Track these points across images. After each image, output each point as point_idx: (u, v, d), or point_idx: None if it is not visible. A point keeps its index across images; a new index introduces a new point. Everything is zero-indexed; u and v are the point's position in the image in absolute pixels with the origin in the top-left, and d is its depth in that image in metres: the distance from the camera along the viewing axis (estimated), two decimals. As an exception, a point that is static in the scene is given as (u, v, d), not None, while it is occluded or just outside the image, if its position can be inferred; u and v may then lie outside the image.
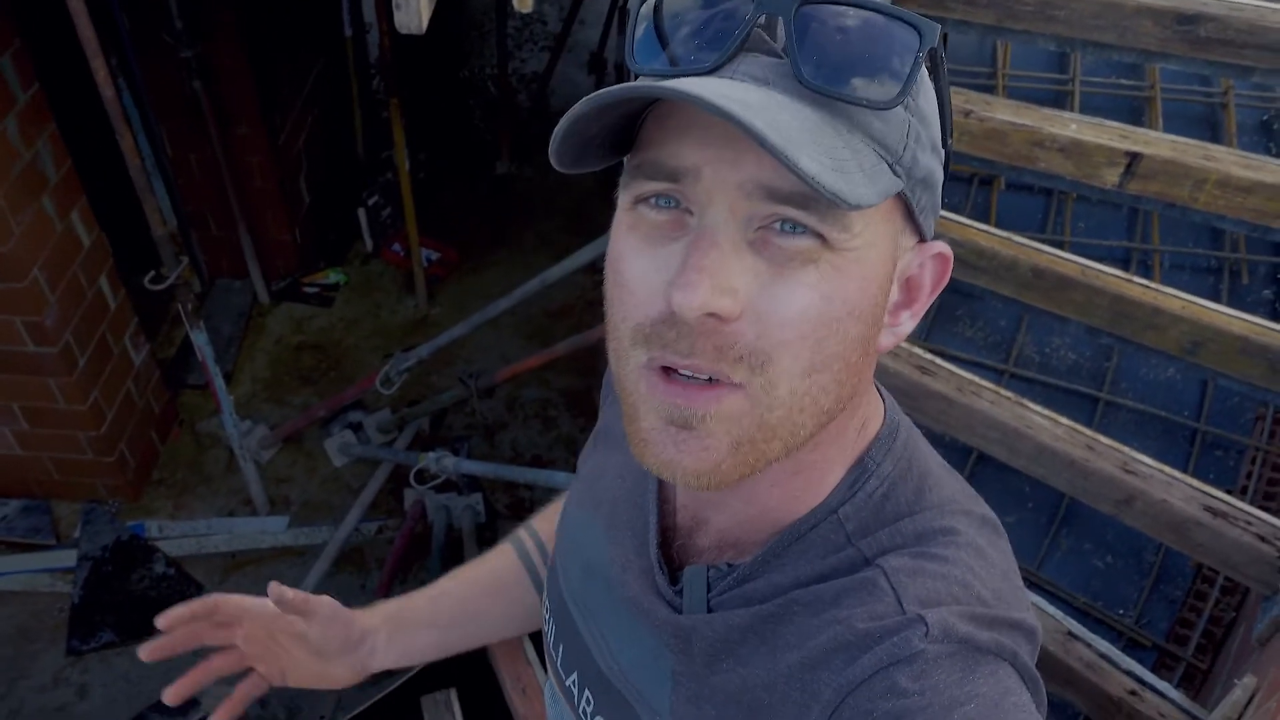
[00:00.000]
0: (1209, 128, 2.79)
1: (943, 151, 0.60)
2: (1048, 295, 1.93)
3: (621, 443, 0.69)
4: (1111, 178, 1.92)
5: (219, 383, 3.18)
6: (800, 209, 0.53)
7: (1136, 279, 1.90)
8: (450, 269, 4.75)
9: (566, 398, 4.12)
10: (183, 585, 3.40)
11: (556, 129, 0.55)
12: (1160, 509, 1.72)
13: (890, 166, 0.55)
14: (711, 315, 0.54)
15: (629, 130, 0.58)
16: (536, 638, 2.38)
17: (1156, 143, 1.91)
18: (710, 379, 0.57)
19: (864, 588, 0.62)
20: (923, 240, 0.62)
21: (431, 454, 3.42)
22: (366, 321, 4.51)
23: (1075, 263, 1.91)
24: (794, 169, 0.48)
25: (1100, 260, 1.94)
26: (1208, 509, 1.69)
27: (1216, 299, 2.26)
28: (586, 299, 4.43)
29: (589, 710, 0.81)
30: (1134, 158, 1.87)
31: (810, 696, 0.61)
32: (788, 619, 0.64)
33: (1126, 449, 1.79)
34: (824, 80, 0.53)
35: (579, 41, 6.33)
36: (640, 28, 0.57)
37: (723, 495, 0.67)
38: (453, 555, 3.48)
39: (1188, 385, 2.51)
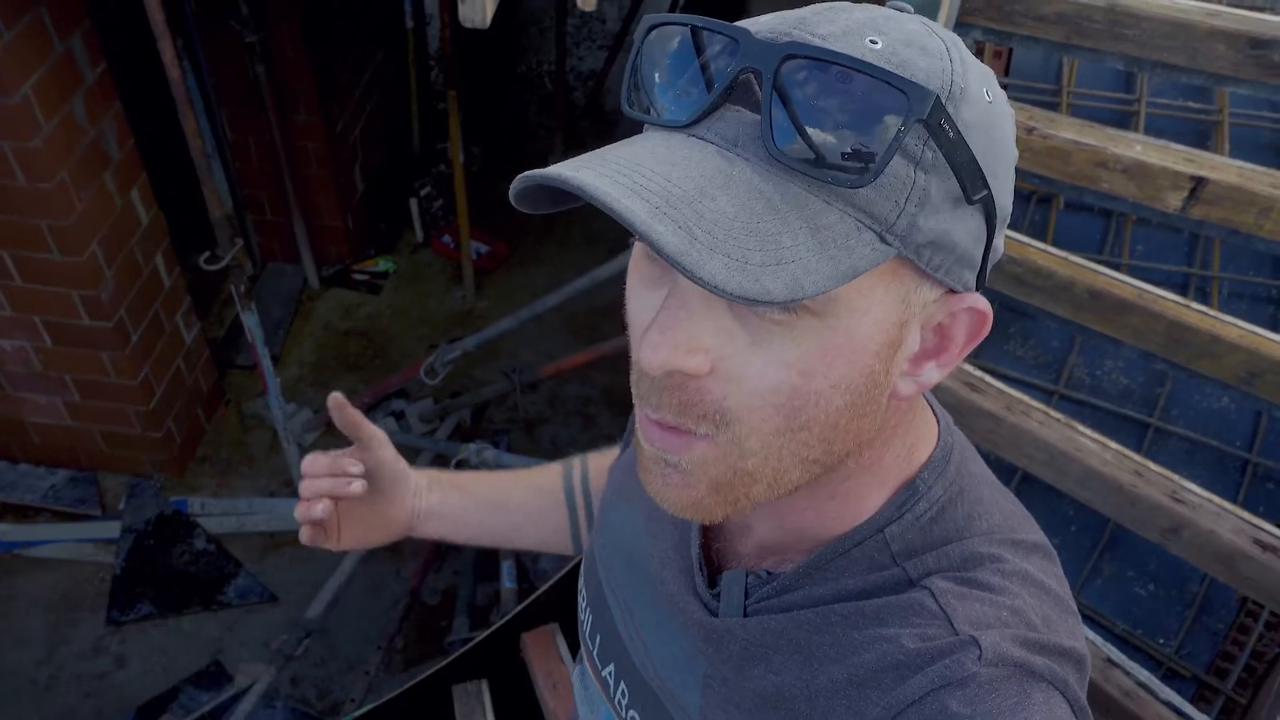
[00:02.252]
0: (1277, 154, 2.73)
1: (977, 200, 0.52)
2: (1103, 318, 1.90)
3: None
4: (1175, 201, 1.88)
5: (267, 364, 3.22)
6: None
7: (1195, 305, 1.87)
8: (499, 262, 4.78)
9: (608, 396, 4.13)
10: (221, 562, 3.46)
11: (511, 190, 0.53)
12: (1208, 539, 1.69)
13: (879, 235, 0.50)
14: (678, 371, 0.53)
15: None
16: (568, 629, 2.38)
17: (1223, 168, 1.87)
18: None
19: (910, 608, 0.61)
20: (955, 291, 0.57)
21: (472, 445, 3.44)
22: (414, 311, 4.55)
23: (1133, 286, 1.88)
24: (690, 276, 0.45)
25: (1158, 284, 1.91)
26: (1257, 542, 1.65)
27: (1277, 330, 2.21)
28: (632, 299, 4.42)
29: (624, 703, 0.81)
30: (1199, 182, 1.84)
31: (856, 715, 0.61)
32: (826, 630, 0.64)
33: (1176, 477, 1.76)
34: (793, 151, 0.49)
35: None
36: (628, 71, 0.56)
37: (758, 511, 0.64)
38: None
39: (1241, 415, 2.46)
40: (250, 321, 3.06)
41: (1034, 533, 0.69)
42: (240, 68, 3.90)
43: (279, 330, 4.30)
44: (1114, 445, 1.80)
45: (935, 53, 0.52)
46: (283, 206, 4.37)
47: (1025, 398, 1.89)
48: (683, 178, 0.48)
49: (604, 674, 0.85)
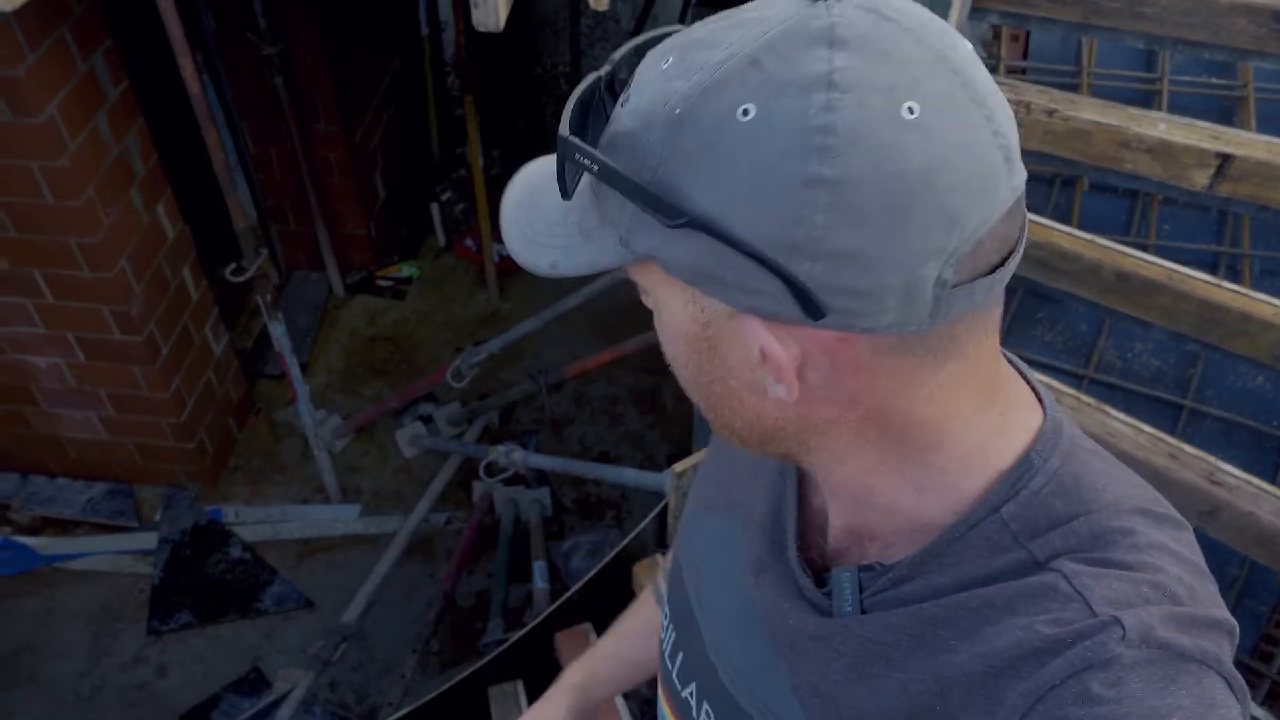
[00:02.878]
0: (1305, 128, 2.70)
1: (679, 224, 0.54)
2: (1132, 300, 1.88)
3: None
4: (1201, 179, 1.86)
5: (295, 373, 3.25)
6: None
7: (1225, 284, 1.85)
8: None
9: (634, 395, 4.13)
10: (257, 570, 3.49)
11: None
12: (1247, 521, 1.66)
13: (620, 240, 0.58)
14: None
15: None
16: (601, 628, 2.39)
17: (1250, 144, 1.85)
18: None
19: (1043, 593, 0.59)
20: (776, 319, 0.56)
21: (500, 447, 3.45)
22: (438, 315, 4.57)
23: (1162, 266, 1.86)
24: (507, 245, 0.66)
25: (1187, 264, 1.89)
26: (1298, 523, 1.63)
27: (1310, 305, 2.18)
28: (655, 296, 4.42)
29: None
30: (1225, 159, 1.82)
31: (994, 703, 0.58)
32: (954, 623, 0.61)
33: (1212, 458, 1.74)
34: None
35: (652, 39, 6.32)
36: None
37: (834, 496, 0.68)
38: (520, 547, 3.52)
39: (1277, 393, 2.43)
40: (277, 331, 3.09)
41: (1161, 504, 0.65)
42: (260, 80, 3.94)
43: (306, 338, 4.34)
44: (1148, 428, 1.78)
45: (689, 77, 0.54)
46: (306, 216, 4.40)
47: (1056, 383, 1.88)
48: (532, 183, 0.67)
49: (684, 694, 0.83)
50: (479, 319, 4.55)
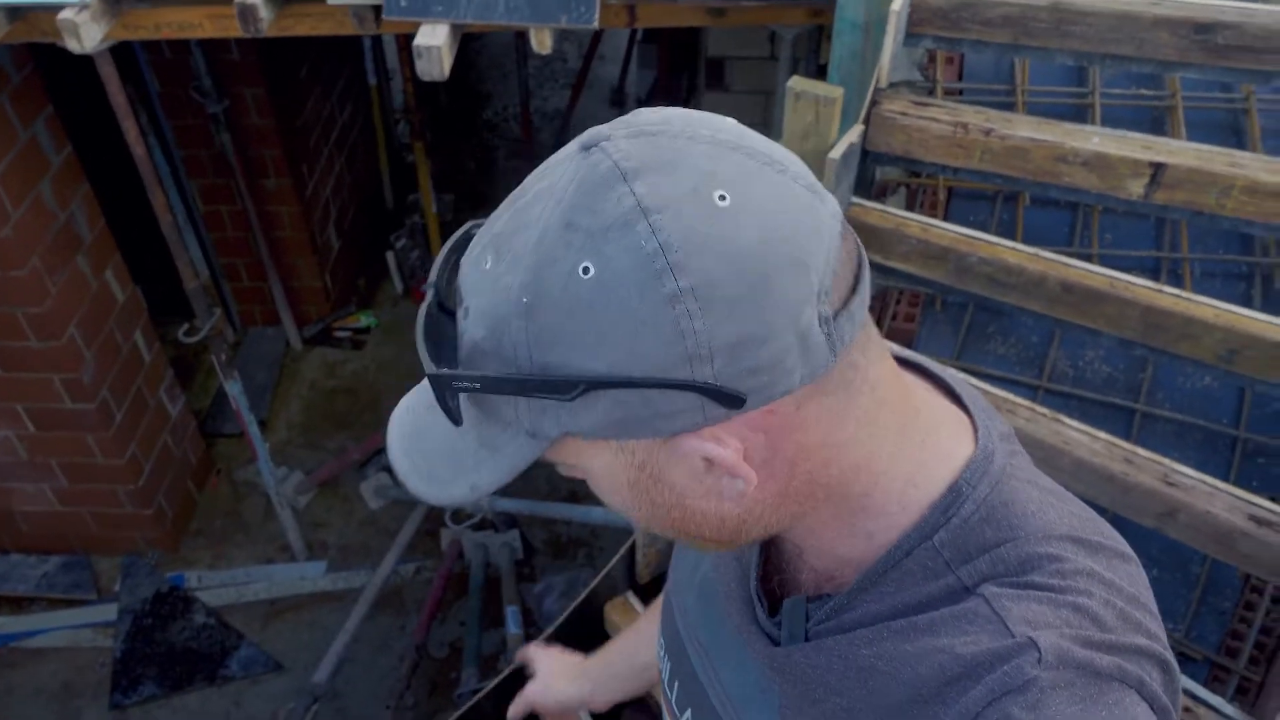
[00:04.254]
0: (1233, 134, 2.76)
1: (575, 396, 0.56)
2: (1078, 309, 1.91)
3: None
4: (1137, 189, 1.90)
5: (254, 431, 3.21)
6: None
7: (1167, 289, 1.88)
8: (478, 309, 4.78)
9: (598, 432, 4.12)
10: (222, 635, 3.42)
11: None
12: (1204, 520, 1.69)
13: (530, 434, 0.59)
14: None
15: None
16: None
17: (1180, 151, 1.89)
18: None
19: (964, 616, 0.61)
20: (704, 428, 0.58)
21: (466, 494, 3.43)
22: (399, 363, 4.54)
23: (1104, 275, 1.90)
24: (415, 494, 0.64)
25: (1130, 271, 1.93)
26: (1253, 518, 1.66)
27: (1249, 305, 2.23)
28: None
29: None
30: (1158, 168, 1.86)
31: None
32: (879, 646, 0.64)
33: (1167, 461, 1.76)
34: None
35: (599, 77, 6.39)
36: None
37: (799, 541, 0.70)
38: (491, 594, 3.48)
39: (1225, 393, 2.47)
40: (234, 389, 3.05)
41: (1101, 534, 0.67)
42: (206, 138, 3.92)
43: (264, 394, 4.29)
44: (1102, 435, 1.81)
45: (516, 266, 0.56)
46: (259, 271, 4.37)
47: (1010, 395, 1.90)
48: (407, 428, 0.67)
49: None
50: (438, 366, 4.52)
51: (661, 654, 0.90)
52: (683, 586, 0.87)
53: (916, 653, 0.61)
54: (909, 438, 0.65)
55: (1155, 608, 0.65)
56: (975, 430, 0.69)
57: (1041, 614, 0.59)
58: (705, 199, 0.54)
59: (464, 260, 0.61)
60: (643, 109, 0.60)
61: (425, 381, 0.60)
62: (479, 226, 0.62)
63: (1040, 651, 0.57)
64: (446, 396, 0.58)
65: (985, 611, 0.60)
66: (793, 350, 0.55)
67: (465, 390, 0.57)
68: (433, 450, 0.64)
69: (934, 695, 0.60)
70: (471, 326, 0.58)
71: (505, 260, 0.56)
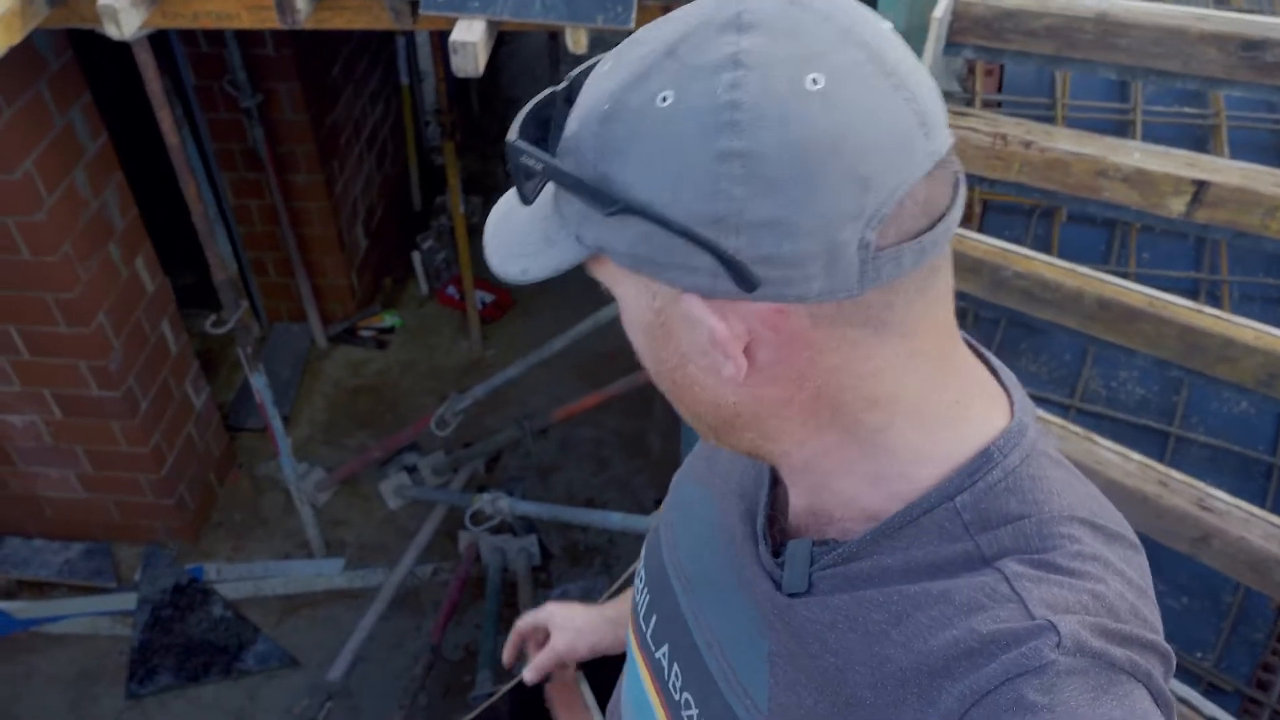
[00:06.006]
0: (1278, 155, 2.72)
1: (614, 211, 0.57)
2: (1114, 327, 1.88)
3: None
4: (1178, 206, 1.87)
5: (277, 426, 3.21)
6: None
7: (1207, 309, 1.85)
8: (504, 311, 4.78)
9: (620, 439, 4.11)
10: (239, 629, 3.42)
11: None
12: (1239, 547, 1.65)
13: (577, 238, 0.61)
14: None
15: None
16: (592, 678, 2.34)
17: (1225, 170, 1.86)
18: None
19: (982, 590, 0.60)
20: (713, 297, 0.59)
21: (486, 495, 3.42)
22: (422, 364, 4.55)
23: (1143, 293, 1.86)
24: (493, 269, 0.66)
25: (1167, 291, 1.89)
26: (1292, 547, 1.62)
27: (1291, 330, 2.18)
28: (639, 339, 4.41)
29: (678, 685, 0.80)
30: (1201, 186, 1.83)
31: (928, 703, 0.59)
32: (888, 608, 0.63)
33: (1201, 485, 1.72)
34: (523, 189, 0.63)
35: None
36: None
37: (800, 478, 0.69)
38: (508, 598, 3.47)
39: (1263, 418, 2.42)
40: (259, 383, 3.06)
41: (1117, 523, 0.66)
42: (239, 132, 3.94)
43: (288, 390, 4.30)
44: (1136, 456, 1.77)
45: (617, 73, 0.58)
46: (287, 267, 4.39)
47: (1042, 413, 1.87)
48: (504, 211, 0.70)
49: (657, 655, 0.84)
50: (463, 367, 4.53)
51: (640, 586, 0.89)
52: (679, 523, 0.86)
53: (930, 623, 0.60)
54: (940, 395, 0.64)
55: (1154, 599, 0.65)
56: (1011, 404, 0.68)
57: (1062, 598, 0.58)
58: (799, 76, 0.53)
59: (599, 59, 0.62)
60: None
61: None
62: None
63: (1059, 636, 0.56)
64: (519, 171, 0.60)
65: (1005, 590, 0.59)
66: (818, 259, 0.55)
67: (530, 170, 0.60)
68: (510, 230, 0.67)
69: (941, 668, 0.59)
70: (571, 121, 0.60)
71: (615, 66, 0.58)
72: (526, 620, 1.27)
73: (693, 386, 0.65)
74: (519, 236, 0.66)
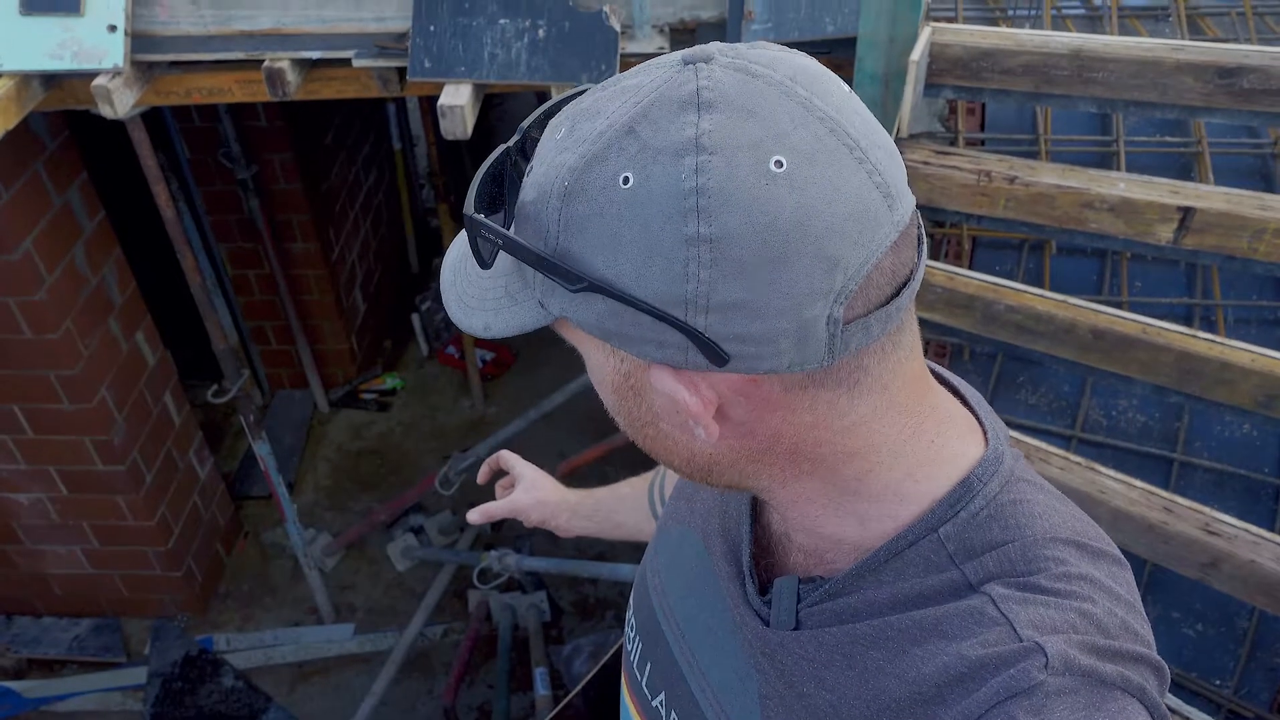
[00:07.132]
0: (1261, 179, 2.74)
1: (579, 289, 0.57)
2: (1110, 356, 1.89)
3: None
4: (1165, 234, 1.88)
5: (282, 493, 3.21)
6: None
7: (1201, 334, 1.86)
8: (505, 368, 4.80)
9: (626, 489, 4.09)
10: (251, 698, 3.39)
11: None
12: (1249, 570, 1.64)
13: (539, 303, 0.60)
14: None
15: None
16: None
17: (1209, 196, 1.88)
18: None
19: (970, 615, 0.60)
20: (680, 368, 0.59)
21: (493, 553, 3.40)
22: (424, 424, 4.55)
23: (1135, 321, 1.87)
24: (445, 308, 0.67)
25: (1162, 319, 1.90)
26: (1301, 568, 1.61)
27: (1287, 351, 2.19)
28: (640, 389, 4.42)
29: None
30: (1187, 212, 1.85)
31: None
32: (883, 644, 0.63)
33: (1207, 509, 1.72)
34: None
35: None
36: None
37: (790, 519, 0.69)
38: (520, 655, 3.44)
39: (1265, 440, 2.42)
40: (262, 451, 3.06)
41: (1101, 540, 0.67)
42: (235, 203, 3.99)
43: (292, 457, 4.30)
44: (1140, 484, 1.77)
45: (576, 149, 0.57)
46: (287, 334, 4.41)
47: (1043, 444, 1.86)
48: (457, 262, 0.69)
49: (654, 704, 0.83)
50: (465, 425, 4.53)
51: (631, 634, 0.89)
52: (665, 567, 0.85)
53: (921, 653, 0.61)
54: (918, 438, 0.64)
55: (1143, 613, 0.65)
56: (985, 434, 0.68)
57: (1049, 619, 0.58)
58: (762, 159, 0.53)
59: (551, 121, 0.61)
60: (770, 43, 0.59)
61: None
62: (582, 93, 0.62)
63: (1047, 657, 0.56)
64: (476, 239, 0.60)
65: (992, 613, 0.59)
66: (788, 336, 0.55)
67: (487, 241, 0.59)
68: (469, 278, 0.66)
69: (933, 695, 0.59)
70: (528, 188, 0.59)
71: (572, 139, 0.57)
72: (507, 460, 1.33)
73: (665, 441, 0.65)
74: (479, 288, 0.65)
